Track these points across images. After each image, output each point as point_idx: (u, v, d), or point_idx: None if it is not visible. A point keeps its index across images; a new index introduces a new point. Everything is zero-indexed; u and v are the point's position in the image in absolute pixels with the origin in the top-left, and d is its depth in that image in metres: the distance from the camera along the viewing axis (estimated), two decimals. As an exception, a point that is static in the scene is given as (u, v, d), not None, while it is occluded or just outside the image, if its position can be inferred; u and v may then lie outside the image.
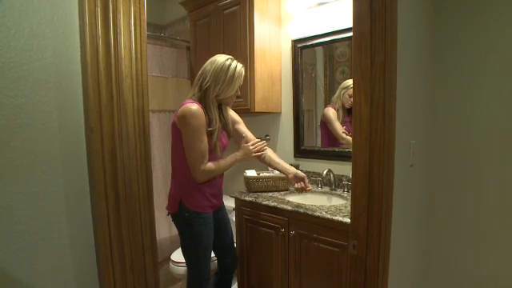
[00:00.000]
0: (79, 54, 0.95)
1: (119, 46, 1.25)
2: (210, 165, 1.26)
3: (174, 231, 2.15)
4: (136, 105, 1.44)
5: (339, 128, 1.71)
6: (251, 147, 1.38)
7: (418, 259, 1.28)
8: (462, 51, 1.18)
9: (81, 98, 1.07)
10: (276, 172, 1.72)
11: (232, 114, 1.41)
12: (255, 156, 1.39)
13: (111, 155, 1.37)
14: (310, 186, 1.37)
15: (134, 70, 1.39)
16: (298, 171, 1.39)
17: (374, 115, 0.89)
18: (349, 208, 1.33)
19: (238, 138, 1.43)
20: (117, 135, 1.35)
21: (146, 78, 1.54)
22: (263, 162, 1.43)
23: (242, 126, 1.44)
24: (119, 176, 1.39)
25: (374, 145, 0.89)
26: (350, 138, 1.67)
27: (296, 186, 1.36)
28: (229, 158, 1.33)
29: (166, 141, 2.11)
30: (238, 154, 1.35)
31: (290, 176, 1.37)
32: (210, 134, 1.25)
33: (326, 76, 1.73)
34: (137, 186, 1.47)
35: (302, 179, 1.37)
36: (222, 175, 1.37)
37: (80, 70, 1.00)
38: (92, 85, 1.24)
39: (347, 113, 1.70)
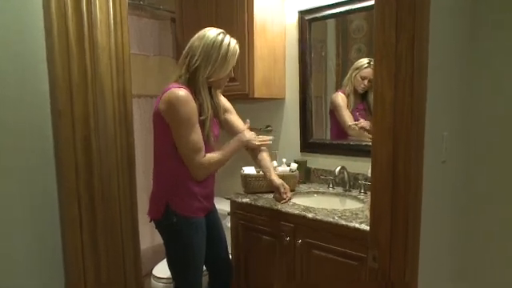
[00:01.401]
0: (42, 16, 0.87)
1: (93, 7, 1.14)
2: (211, 155, 1.26)
3: (157, 241, 2.12)
4: (116, 84, 1.38)
5: (347, 117, 1.71)
6: (255, 137, 1.42)
7: (454, 273, 1.27)
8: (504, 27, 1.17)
9: (45, 74, 0.99)
10: (280, 169, 1.72)
11: (222, 99, 1.41)
12: (251, 149, 1.41)
13: (84, 145, 1.31)
14: (285, 198, 1.42)
15: (112, 41, 1.33)
16: (274, 180, 1.41)
17: (399, 99, 0.86)
18: (367, 212, 1.33)
19: (230, 131, 1.43)
20: (92, 120, 1.30)
21: (128, 50, 1.44)
22: (254, 160, 1.45)
23: (234, 117, 1.45)
24: (95, 170, 1.34)
25: (398, 136, 0.87)
26: (362, 131, 1.69)
27: (272, 196, 1.45)
28: (233, 142, 1.34)
29: (148, 132, 2.09)
30: (242, 137, 1.36)
31: (275, 184, 1.43)
32: (201, 124, 1.25)
33: (338, 55, 1.72)
34: (117, 184, 1.44)
35: (275, 189, 1.43)
36: (214, 173, 1.37)
37: (44, 40, 0.93)
38: (60, 58, 1.13)
39: (360, 98, 1.70)
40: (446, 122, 1.09)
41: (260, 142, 1.42)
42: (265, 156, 1.45)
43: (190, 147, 1.20)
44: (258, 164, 1.46)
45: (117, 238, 1.46)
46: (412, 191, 0.87)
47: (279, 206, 1.44)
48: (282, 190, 1.42)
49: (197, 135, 1.21)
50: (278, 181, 1.43)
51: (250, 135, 1.39)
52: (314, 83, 1.85)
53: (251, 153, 1.45)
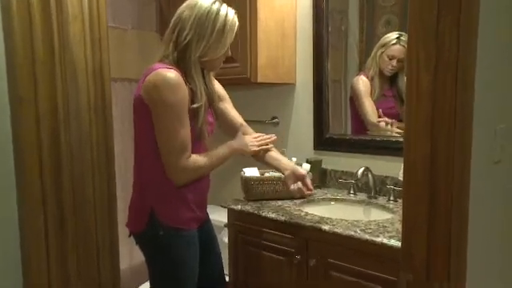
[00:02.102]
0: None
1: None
2: (196, 158, 1.25)
3: (137, 259, 2.10)
4: (91, 62, 1.35)
5: (369, 107, 1.71)
6: (253, 139, 1.39)
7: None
8: None
9: (1, 48, 0.94)
10: None
11: (216, 85, 1.42)
12: (253, 153, 1.40)
13: (52, 140, 1.28)
14: (311, 188, 1.39)
15: (86, 7, 1.30)
16: (298, 168, 1.40)
17: (438, 85, 0.85)
18: (397, 225, 1.32)
19: (225, 125, 1.43)
20: (61, 109, 1.28)
21: (104, 20, 1.39)
22: (259, 160, 1.45)
23: (230, 107, 1.46)
24: (64, 171, 1.32)
25: (438, 130, 0.86)
26: (387, 124, 1.69)
27: (292, 187, 1.37)
28: (222, 148, 1.33)
29: (125, 125, 2.08)
30: (234, 144, 1.36)
31: (286, 173, 1.38)
32: (193, 114, 1.24)
33: (361, 29, 1.72)
34: (92, 188, 1.42)
35: (300, 178, 1.37)
36: (208, 176, 1.38)
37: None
38: (20, 28, 1.08)
39: (388, 83, 1.70)
40: (500, 114, 1.07)
41: (260, 144, 1.39)
42: (272, 153, 1.44)
43: (176, 144, 1.19)
44: (264, 163, 1.45)
45: (91, 255, 1.43)
46: (455, 199, 0.85)
47: (285, 218, 1.43)
48: (309, 180, 1.40)
49: (185, 130, 1.20)
50: (300, 169, 1.40)
51: (244, 140, 1.37)
52: (331, 64, 1.85)
53: (254, 157, 1.44)
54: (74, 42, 1.35)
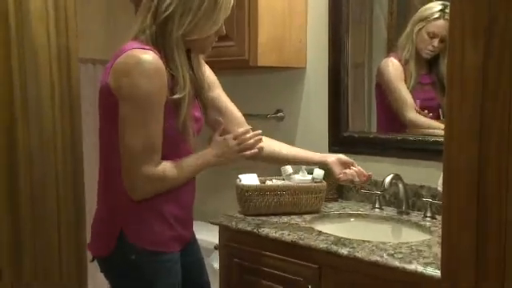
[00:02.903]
0: None
1: None
2: (165, 166, 1.26)
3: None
4: (55, 40, 1.39)
5: (406, 96, 1.72)
6: (233, 141, 1.37)
7: None
8: None
9: None
10: (297, 178, 1.74)
11: (208, 71, 1.44)
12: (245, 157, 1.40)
13: (7, 139, 1.32)
14: (367, 174, 1.48)
15: None
16: (340, 155, 1.48)
17: (490, 69, 0.83)
18: (436, 249, 1.31)
19: (214, 119, 1.46)
20: (18, 102, 1.32)
21: None
22: (263, 160, 1.48)
23: (222, 94, 1.48)
24: (21, 177, 1.36)
25: (488, 129, 0.85)
26: (428, 119, 1.71)
27: (342, 176, 1.46)
28: (194, 158, 1.34)
29: (93, 119, 2.09)
30: (209, 154, 1.36)
31: (331, 160, 1.48)
32: (174, 107, 1.25)
33: None
34: (55, 202, 1.45)
35: (350, 163, 1.48)
36: (193, 184, 1.39)
37: None
38: None
39: (427, 68, 1.71)
40: None
41: (244, 148, 1.37)
42: (271, 144, 1.48)
43: (141, 145, 1.20)
44: (275, 163, 1.51)
45: (53, 283, 1.44)
46: (511, 217, 0.83)
47: (292, 238, 1.43)
48: (351, 161, 1.49)
49: (156, 127, 1.21)
50: (344, 156, 1.51)
51: (220, 148, 1.36)
52: (352, 43, 1.84)
53: (256, 159, 1.46)
54: (33, 12, 1.35)
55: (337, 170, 1.47)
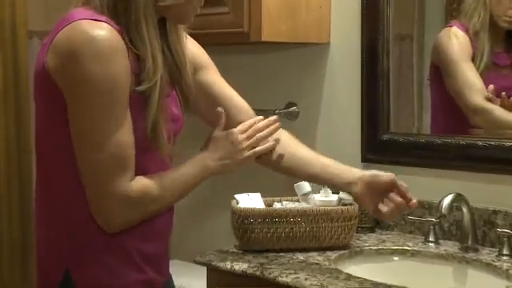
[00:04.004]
0: None
1: None
2: (146, 183, 1.29)
3: None
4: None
5: (473, 79, 1.75)
6: (240, 135, 1.43)
7: None
8: None
9: None
10: (317, 198, 1.74)
11: (192, 48, 1.47)
12: (256, 157, 1.46)
13: None
14: (414, 202, 1.46)
15: None
16: (375, 172, 1.49)
17: None
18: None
19: (211, 112, 1.48)
20: None
21: None
22: (275, 169, 1.54)
23: (218, 78, 1.53)
24: None
25: None
26: (507, 113, 1.72)
27: (379, 215, 1.46)
28: (188, 167, 1.38)
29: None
30: (208, 158, 1.40)
31: (357, 189, 1.47)
32: (140, 102, 1.26)
33: None
34: None
35: (389, 186, 1.46)
36: (171, 209, 1.41)
37: None
38: None
39: (505, 44, 1.75)
40: None
41: (256, 141, 1.43)
42: (290, 143, 1.53)
43: (106, 157, 1.21)
44: (295, 175, 1.56)
45: None
46: None
47: (312, 284, 1.42)
48: (401, 185, 1.45)
49: (124, 131, 1.22)
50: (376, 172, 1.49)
51: (224, 147, 1.41)
52: (394, 8, 1.84)
53: (261, 163, 1.51)
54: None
55: (366, 201, 1.45)
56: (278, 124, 1.45)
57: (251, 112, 1.51)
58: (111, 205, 1.23)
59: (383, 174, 1.45)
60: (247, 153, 1.41)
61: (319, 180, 1.55)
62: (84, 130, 1.20)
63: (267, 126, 1.44)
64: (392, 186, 1.43)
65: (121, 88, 1.20)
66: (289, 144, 1.52)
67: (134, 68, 1.22)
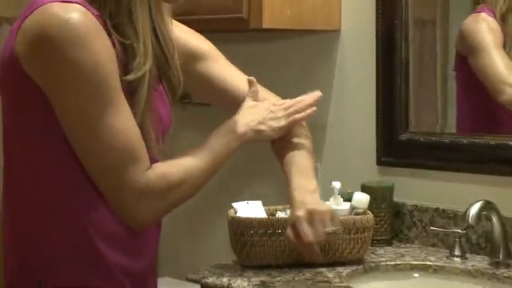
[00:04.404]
0: None
1: None
2: (164, 168, 1.33)
3: None
4: None
5: (505, 71, 1.75)
6: (274, 106, 1.52)
7: None
8: None
9: None
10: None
11: (186, 33, 1.49)
12: (276, 142, 1.54)
13: None
14: (315, 250, 1.47)
15: None
16: (313, 209, 1.46)
17: None
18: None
19: (223, 101, 1.56)
20: None
21: None
22: (281, 161, 1.56)
23: (218, 66, 1.56)
24: None
25: None
26: None
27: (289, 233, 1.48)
28: (215, 137, 1.43)
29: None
30: (237, 123, 1.45)
31: (293, 215, 1.48)
32: (126, 95, 1.26)
33: None
34: None
35: (294, 219, 1.47)
36: (158, 226, 1.43)
37: None
38: None
39: None
40: None
41: (290, 113, 1.50)
42: (300, 154, 1.54)
43: (117, 151, 1.23)
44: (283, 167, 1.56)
45: None
46: None
47: None
48: (303, 225, 1.44)
49: (125, 119, 1.23)
50: (298, 194, 1.48)
51: (258, 110, 1.47)
52: None
53: (276, 148, 1.57)
54: None
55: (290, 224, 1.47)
56: (319, 93, 1.52)
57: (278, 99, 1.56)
58: (132, 200, 1.25)
59: (299, 199, 1.45)
60: (284, 121, 1.47)
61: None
62: (78, 124, 1.21)
63: (311, 102, 1.51)
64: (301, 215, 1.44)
65: (109, 73, 1.20)
66: (294, 153, 1.54)
67: (119, 58, 1.22)
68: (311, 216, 1.44)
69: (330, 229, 1.46)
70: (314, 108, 1.52)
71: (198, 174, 1.35)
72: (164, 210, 1.32)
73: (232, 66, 1.58)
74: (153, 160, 1.33)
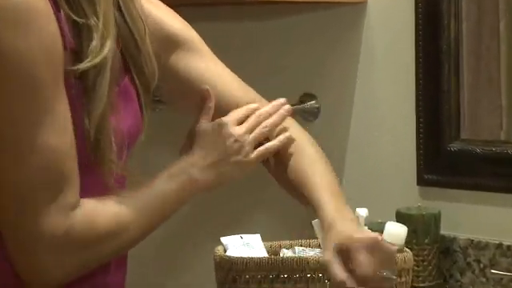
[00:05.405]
0: None
1: None
2: (96, 208, 1.32)
3: None
4: None
5: None
6: (237, 128, 1.50)
7: None
8: None
9: None
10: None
11: (163, 13, 1.55)
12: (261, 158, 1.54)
13: None
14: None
15: None
16: (359, 230, 1.48)
17: None
18: None
19: (188, 91, 1.56)
20: None
21: None
22: (276, 179, 1.60)
23: (203, 63, 1.58)
24: None
25: None
26: None
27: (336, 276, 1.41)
28: (166, 180, 1.43)
29: None
30: (193, 165, 1.45)
31: (325, 247, 1.47)
32: (79, 90, 1.27)
33: None
34: None
35: (354, 249, 1.42)
36: (123, 259, 1.44)
37: None
38: None
39: None
40: None
41: (260, 134, 1.50)
42: (316, 167, 1.55)
43: (32, 175, 1.21)
44: (287, 184, 1.57)
45: None
46: None
47: None
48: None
49: (59, 134, 1.22)
50: (341, 224, 1.44)
51: (227, 134, 1.48)
52: None
53: (273, 165, 1.59)
54: None
55: (331, 264, 1.40)
56: (287, 107, 1.50)
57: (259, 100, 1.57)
58: (42, 250, 1.22)
59: (358, 231, 1.43)
60: (251, 154, 1.44)
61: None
62: None
63: (273, 112, 1.49)
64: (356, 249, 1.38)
65: (48, 67, 1.19)
66: (306, 151, 1.55)
67: (68, 41, 1.21)
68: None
69: (385, 272, 1.41)
70: (286, 136, 1.51)
71: (135, 230, 1.34)
72: (82, 267, 1.29)
73: (222, 64, 1.59)
74: (103, 182, 1.32)
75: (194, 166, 1.42)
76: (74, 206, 1.23)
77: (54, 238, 1.22)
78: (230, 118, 1.47)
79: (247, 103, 1.54)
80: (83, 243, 1.26)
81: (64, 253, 1.24)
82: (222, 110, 1.53)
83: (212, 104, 1.49)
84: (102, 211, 1.31)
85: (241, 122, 1.47)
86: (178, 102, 1.64)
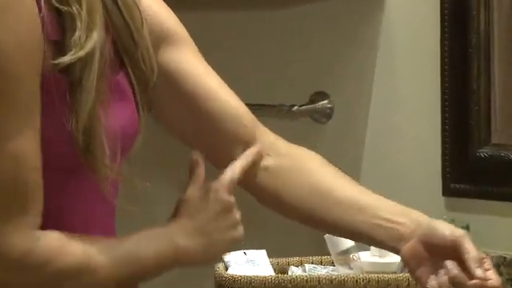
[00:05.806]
0: None
1: None
2: (58, 243, 1.29)
3: None
4: None
5: None
6: (226, 196, 1.44)
7: None
8: None
9: None
10: (365, 260, 1.84)
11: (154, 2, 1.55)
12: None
13: None
14: (492, 279, 1.36)
15: None
16: (439, 224, 1.42)
17: None
18: None
19: (193, 121, 1.54)
20: None
21: None
22: (276, 209, 1.56)
23: (193, 57, 1.58)
24: None
25: None
26: None
27: (433, 283, 1.38)
28: (144, 242, 1.38)
29: None
30: (178, 234, 1.41)
31: (445, 234, 1.41)
32: (60, 89, 1.24)
33: None
34: None
35: (470, 260, 1.39)
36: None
37: None
38: None
39: None
40: None
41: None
42: (329, 176, 1.52)
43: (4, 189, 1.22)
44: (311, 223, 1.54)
45: None
46: None
47: None
48: (467, 250, 1.38)
49: (23, 142, 1.22)
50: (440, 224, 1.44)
51: (213, 206, 1.42)
52: None
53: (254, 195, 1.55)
54: None
55: (413, 265, 1.39)
56: (254, 154, 1.48)
57: (250, 117, 1.53)
58: None
59: (446, 228, 1.39)
60: (239, 230, 1.39)
61: (364, 235, 1.49)
62: None
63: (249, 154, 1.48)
64: (453, 250, 1.36)
65: (20, 63, 1.19)
66: (314, 171, 1.52)
67: (50, 32, 1.20)
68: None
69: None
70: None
71: (103, 277, 1.28)
72: None
73: (214, 72, 1.56)
74: (97, 193, 1.30)
75: (178, 235, 1.37)
76: (36, 226, 1.21)
77: (6, 260, 1.19)
78: (223, 182, 1.41)
79: (228, 103, 1.52)
80: (38, 273, 1.24)
81: (19, 276, 1.23)
82: (208, 108, 1.50)
83: (201, 174, 1.41)
84: (70, 244, 1.27)
85: (231, 188, 1.42)
86: (163, 104, 1.54)
